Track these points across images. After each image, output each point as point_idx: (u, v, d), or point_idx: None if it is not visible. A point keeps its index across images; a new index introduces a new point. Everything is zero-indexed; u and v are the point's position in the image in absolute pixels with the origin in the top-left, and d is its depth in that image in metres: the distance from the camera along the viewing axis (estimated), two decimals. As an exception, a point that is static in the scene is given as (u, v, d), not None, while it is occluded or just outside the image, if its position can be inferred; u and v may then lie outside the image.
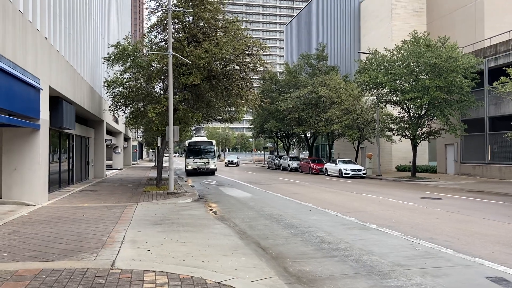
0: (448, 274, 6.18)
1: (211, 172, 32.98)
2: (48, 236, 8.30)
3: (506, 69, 19.04)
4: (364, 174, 29.97)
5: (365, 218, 11.21)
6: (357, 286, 5.76)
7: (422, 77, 25.26)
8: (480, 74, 25.59)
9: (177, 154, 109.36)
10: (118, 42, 20.92)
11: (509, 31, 26.31)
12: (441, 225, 10.19)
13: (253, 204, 14.59)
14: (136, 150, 69.44)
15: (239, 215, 12.11)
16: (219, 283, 5.39)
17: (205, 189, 20.80)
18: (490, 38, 28.03)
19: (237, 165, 55.59)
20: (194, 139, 36.13)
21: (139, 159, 76.40)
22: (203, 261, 6.69)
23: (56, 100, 16.09)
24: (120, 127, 38.17)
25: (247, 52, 18.72)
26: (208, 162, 32.65)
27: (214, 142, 35.96)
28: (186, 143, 34.68)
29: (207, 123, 27.24)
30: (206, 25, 19.38)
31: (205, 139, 36.60)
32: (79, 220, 10.39)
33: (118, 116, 33.72)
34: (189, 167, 32.52)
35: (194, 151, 33.20)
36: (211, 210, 13.29)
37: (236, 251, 7.55)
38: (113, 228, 9.26)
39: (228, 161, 57.77)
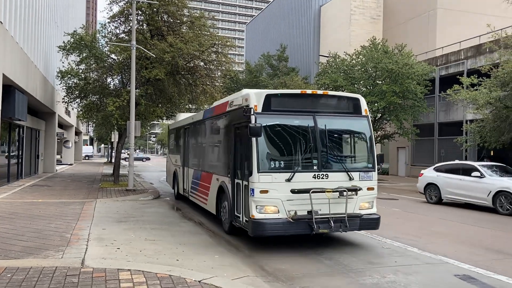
0: (418, 272, 6.39)
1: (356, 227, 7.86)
2: (6, 233, 7.76)
3: (460, 77, 20.08)
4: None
5: (330, 217, 11.37)
6: (334, 283, 5.84)
7: (379, 82, 26.11)
8: (431, 82, 26.83)
9: (137, 151, 77.74)
10: (75, 31, 19.95)
11: (459, 42, 27.79)
12: (402, 225, 10.57)
13: (217, 202, 14.41)
14: (87, 145, 66.87)
15: (205, 213, 11.91)
16: (199, 281, 5.26)
17: (164, 186, 20.31)
18: (442, 47, 29.48)
19: None
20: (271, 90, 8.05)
21: (89, 154, 73.56)
22: (177, 260, 6.52)
23: (8, 89, 15.10)
24: (72, 120, 36.53)
25: (213, 49, 18.49)
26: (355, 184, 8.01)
27: (363, 101, 8.26)
28: (254, 100, 7.22)
29: (167, 119, 26.26)
30: (171, 19, 18.97)
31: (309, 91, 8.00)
32: (36, 216, 9.81)
33: (72, 109, 32.24)
34: (291, 205, 7.16)
35: (294, 134, 7.49)
36: (174, 207, 13.01)
37: (208, 249, 7.43)
38: (75, 225, 8.82)
39: None
